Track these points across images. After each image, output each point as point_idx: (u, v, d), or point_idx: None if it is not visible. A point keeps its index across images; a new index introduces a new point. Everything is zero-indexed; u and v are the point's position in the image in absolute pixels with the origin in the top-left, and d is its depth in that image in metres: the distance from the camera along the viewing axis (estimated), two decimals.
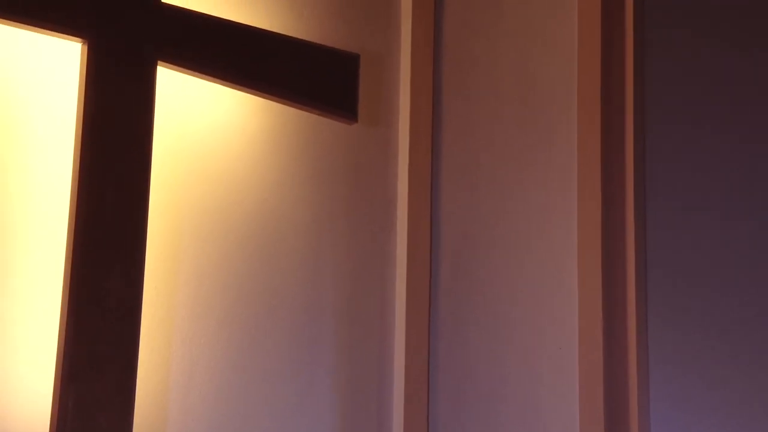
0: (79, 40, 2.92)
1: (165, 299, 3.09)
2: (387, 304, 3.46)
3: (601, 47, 3.54)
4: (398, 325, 3.45)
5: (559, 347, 3.42)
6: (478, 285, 3.54)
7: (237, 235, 3.24)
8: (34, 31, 2.88)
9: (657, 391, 3.36)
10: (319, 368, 3.31)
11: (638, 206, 3.47)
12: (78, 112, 2.91)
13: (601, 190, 3.45)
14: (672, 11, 3.68)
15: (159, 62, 3.02)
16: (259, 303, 3.24)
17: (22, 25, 2.85)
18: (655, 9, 3.64)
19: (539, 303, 3.49)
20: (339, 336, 3.37)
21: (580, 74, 3.57)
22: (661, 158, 3.54)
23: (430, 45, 3.55)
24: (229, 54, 3.15)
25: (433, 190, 3.53)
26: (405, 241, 3.47)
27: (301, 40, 3.32)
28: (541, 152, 3.59)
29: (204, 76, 3.13)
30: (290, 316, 3.28)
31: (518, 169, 3.59)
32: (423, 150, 3.51)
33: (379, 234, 3.48)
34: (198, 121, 3.21)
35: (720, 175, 3.58)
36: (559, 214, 3.54)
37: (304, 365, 3.29)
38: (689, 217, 3.56)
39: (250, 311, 3.22)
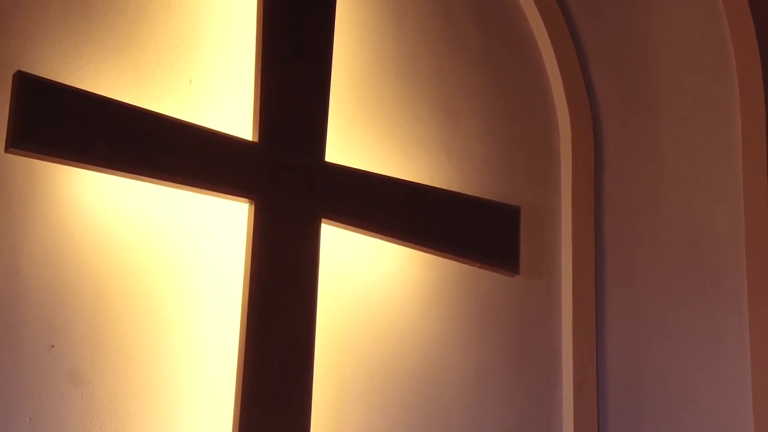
0: (247, 200, 3.01)
1: None
2: None
3: None
4: None
5: None
6: None
7: (401, 390, 3.23)
8: (206, 194, 2.98)
9: None
10: None
11: None
12: (245, 269, 2.97)
13: None
14: None
15: (323, 219, 3.08)
16: None
17: (195, 188, 2.95)
18: None
19: None
20: None
21: (747, 222, 3.51)
22: None
23: (591, 195, 3.54)
24: (391, 209, 3.20)
25: (598, 341, 3.47)
26: (571, 394, 3.40)
27: (462, 194, 3.35)
28: (709, 301, 3.51)
29: (367, 231, 3.17)
30: None
31: (685, 318, 3.52)
32: (587, 301, 3.47)
33: (544, 387, 3.43)
34: (361, 275, 3.25)
35: None
36: (730, 364, 3.45)
37: None
38: None
39: None
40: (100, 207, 2.92)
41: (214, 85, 3.14)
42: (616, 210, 3.59)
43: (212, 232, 3.06)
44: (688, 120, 3.68)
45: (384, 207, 3.19)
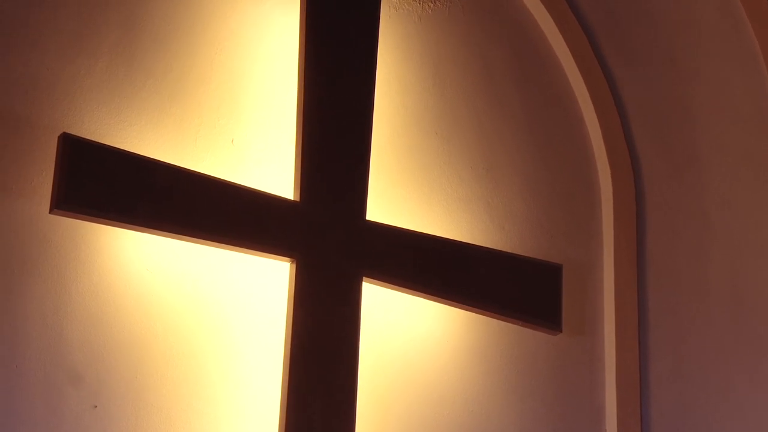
0: (288, 259, 3.02)
1: None
2: None
3: None
4: None
5: None
6: None
7: None
8: (247, 253, 2.99)
9: None
10: None
11: None
12: (287, 328, 2.97)
13: None
14: None
15: (364, 278, 3.08)
16: None
17: (237, 248, 2.96)
18: None
19: None
20: None
21: None
22: None
23: (634, 253, 3.52)
24: (433, 268, 3.19)
25: (642, 398, 3.44)
26: None
27: (504, 252, 3.34)
28: (756, 361, 3.48)
29: (408, 290, 3.17)
30: None
31: (732, 378, 3.48)
32: (630, 359, 3.44)
33: None
34: (402, 334, 3.24)
35: None
36: None
37: None
38: None
39: None
40: (142, 267, 2.93)
41: (256, 145, 3.16)
42: (659, 267, 3.56)
43: (254, 292, 3.06)
44: (732, 177, 3.66)
45: (425, 265, 3.18)
